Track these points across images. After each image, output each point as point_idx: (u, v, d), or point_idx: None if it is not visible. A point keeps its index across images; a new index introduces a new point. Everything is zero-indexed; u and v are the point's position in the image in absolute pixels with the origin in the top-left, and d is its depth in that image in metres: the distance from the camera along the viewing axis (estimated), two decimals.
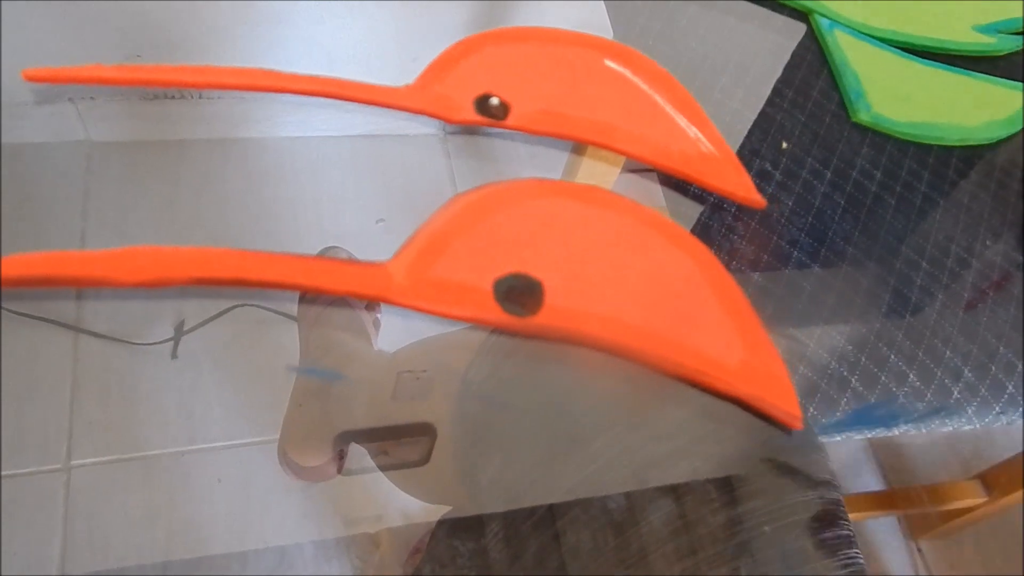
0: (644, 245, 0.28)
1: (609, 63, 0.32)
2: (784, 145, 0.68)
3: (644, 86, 0.32)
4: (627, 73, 0.32)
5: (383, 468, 0.50)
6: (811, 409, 0.52)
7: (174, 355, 0.59)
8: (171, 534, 0.55)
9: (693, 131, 0.32)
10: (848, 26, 0.79)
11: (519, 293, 0.20)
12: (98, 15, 0.57)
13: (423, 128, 0.74)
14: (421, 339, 0.49)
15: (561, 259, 0.25)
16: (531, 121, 0.30)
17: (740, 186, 0.38)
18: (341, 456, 0.51)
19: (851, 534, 0.31)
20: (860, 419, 0.54)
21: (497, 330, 0.22)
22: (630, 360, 0.23)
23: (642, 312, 0.23)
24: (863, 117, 0.71)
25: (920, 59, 0.76)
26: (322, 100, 0.31)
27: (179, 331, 0.59)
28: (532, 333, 0.21)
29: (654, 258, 0.19)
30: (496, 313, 0.21)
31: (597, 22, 0.62)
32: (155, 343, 0.59)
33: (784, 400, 0.24)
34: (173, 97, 0.63)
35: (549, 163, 0.53)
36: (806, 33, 0.76)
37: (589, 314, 0.23)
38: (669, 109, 0.32)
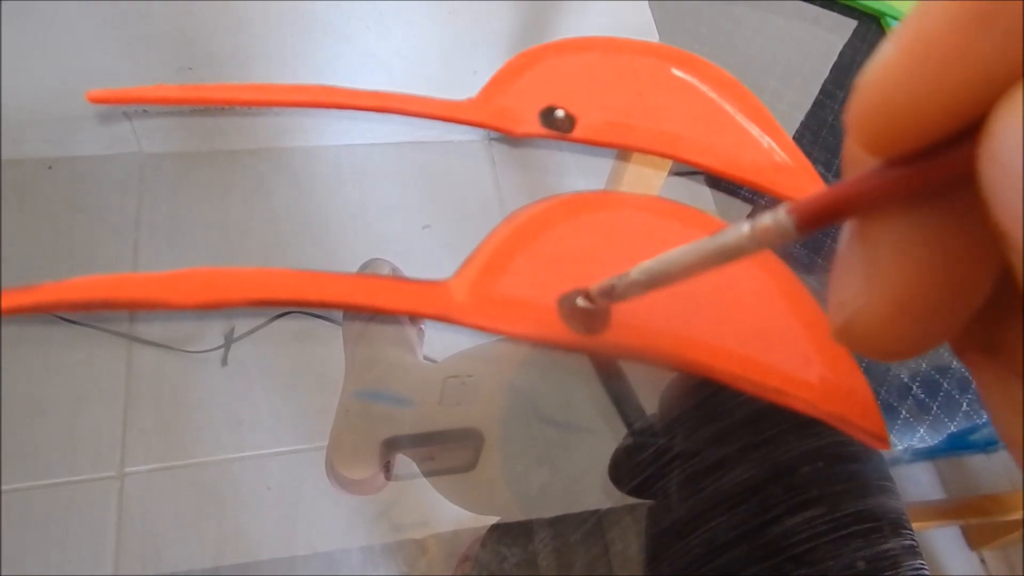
0: None
1: (676, 71, 0.31)
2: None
3: (713, 95, 0.31)
4: (695, 81, 0.31)
5: (431, 474, 0.49)
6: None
7: (224, 362, 0.60)
8: (221, 540, 0.56)
9: (766, 140, 0.30)
10: None
11: (585, 310, 0.20)
12: (151, 29, 0.58)
13: (468, 135, 0.74)
14: (467, 348, 0.49)
15: None
16: (597, 133, 0.29)
17: None
18: (388, 467, 0.51)
19: (915, 544, 0.29)
20: (930, 432, 0.52)
21: (563, 348, 0.21)
22: (702, 378, 0.22)
23: (714, 328, 0.22)
24: None
25: None
26: None
27: (229, 339, 0.60)
28: (599, 352, 0.20)
29: (724, 271, 0.18)
30: (562, 331, 0.20)
31: (642, 26, 0.61)
32: (206, 351, 0.60)
33: (868, 420, 0.22)
34: (223, 109, 0.64)
35: (594, 169, 0.53)
36: (877, 36, 0.74)
37: (658, 331, 0.22)
38: (740, 118, 0.31)
